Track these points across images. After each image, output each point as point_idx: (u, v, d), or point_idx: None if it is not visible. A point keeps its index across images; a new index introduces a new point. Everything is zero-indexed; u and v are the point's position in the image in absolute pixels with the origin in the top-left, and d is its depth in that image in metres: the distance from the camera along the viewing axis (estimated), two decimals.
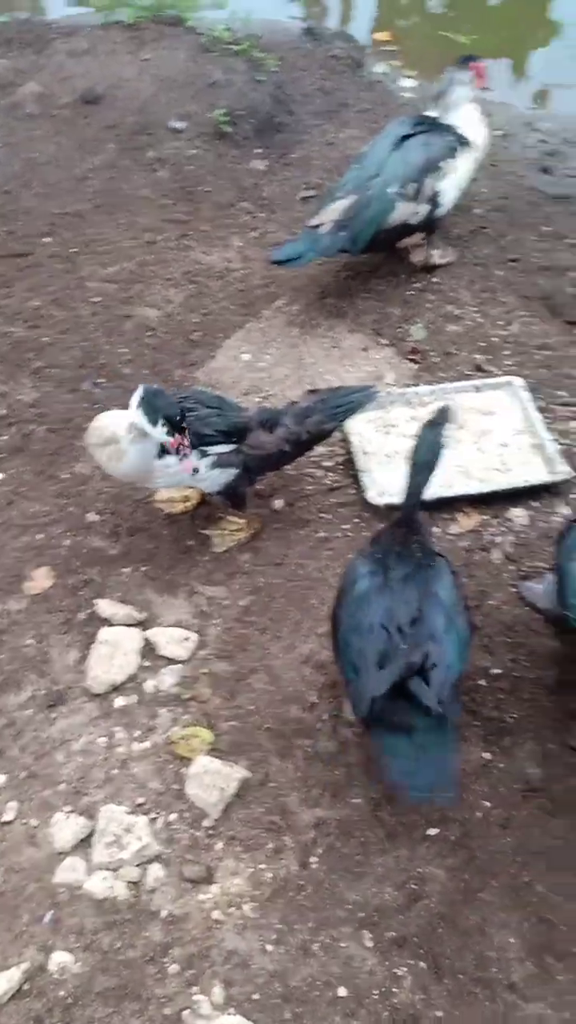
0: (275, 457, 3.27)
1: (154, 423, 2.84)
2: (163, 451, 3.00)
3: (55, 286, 4.25)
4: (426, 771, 2.39)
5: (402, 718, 2.41)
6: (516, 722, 2.83)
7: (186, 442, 2.90)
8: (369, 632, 2.57)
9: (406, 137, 3.87)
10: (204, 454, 3.11)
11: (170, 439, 2.87)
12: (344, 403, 3.30)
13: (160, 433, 2.86)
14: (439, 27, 5.98)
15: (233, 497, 3.29)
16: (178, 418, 2.84)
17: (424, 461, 2.76)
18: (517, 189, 4.65)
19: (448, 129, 3.92)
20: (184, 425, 2.87)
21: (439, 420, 2.79)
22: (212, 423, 3.12)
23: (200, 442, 3.07)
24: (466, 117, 3.95)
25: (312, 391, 3.38)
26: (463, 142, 3.91)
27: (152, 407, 2.85)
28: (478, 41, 5.81)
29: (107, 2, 5.71)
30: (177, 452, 2.91)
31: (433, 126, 3.92)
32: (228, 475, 3.19)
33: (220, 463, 3.15)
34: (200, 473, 3.12)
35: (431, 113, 4.02)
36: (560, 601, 2.70)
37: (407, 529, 2.80)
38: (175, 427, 2.85)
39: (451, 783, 2.45)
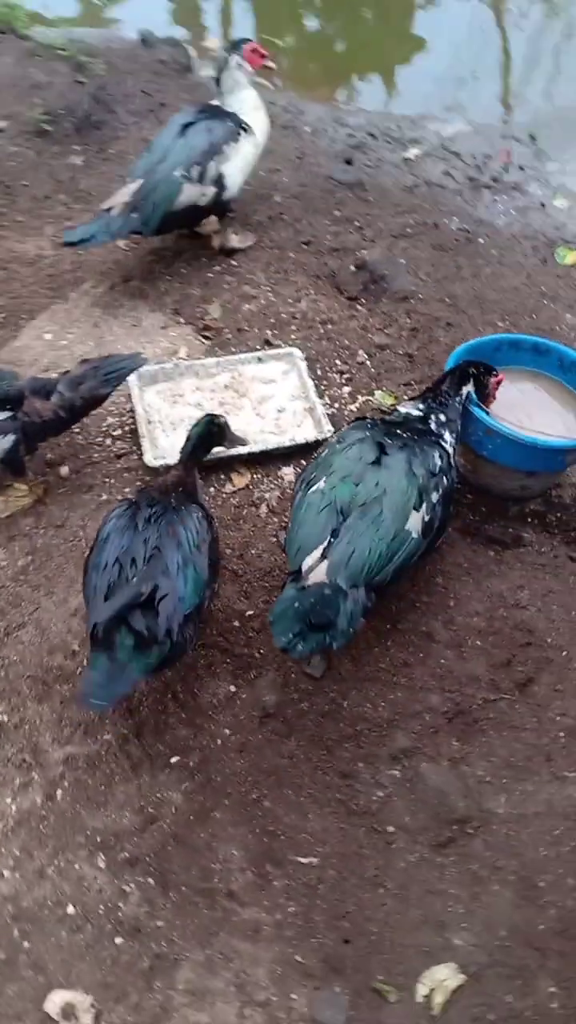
0: (52, 423, 3.40)
1: None
2: None
3: None
4: (103, 685, 2.54)
5: (113, 639, 2.55)
6: (262, 656, 3.00)
7: None
8: (104, 569, 2.72)
9: (189, 124, 4.07)
10: None
11: None
12: (115, 369, 3.46)
13: None
14: (262, 33, 6.26)
15: (12, 464, 3.41)
16: None
17: (195, 446, 2.97)
18: (316, 178, 4.89)
19: (230, 116, 4.12)
20: None
21: (216, 415, 3.01)
22: None
23: None
24: (246, 103, 4.17)
25: (84, 360, 3.53)
26: (244, 128, 4.12)
27: None
28: (295, 45, 6.08)
29: None
30: None
31: (215, 114, 4.13)
32: (6, 443, 3.31)
33: None
34: None
35: (214, 102, 4.23)
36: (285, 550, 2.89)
37: (175, 481, 2.98)
38: None
39: (112, 696, 2.57)
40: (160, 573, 2.67)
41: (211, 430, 3.01)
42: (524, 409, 3.30)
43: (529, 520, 3.36)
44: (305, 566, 2.70)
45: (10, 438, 3.29)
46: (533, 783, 2.71)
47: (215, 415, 3.02)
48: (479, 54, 6.49)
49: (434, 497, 2.82)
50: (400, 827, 2.63)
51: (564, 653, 2.98)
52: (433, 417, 3.07)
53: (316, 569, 2.68)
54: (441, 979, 2.36)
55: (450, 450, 3.02)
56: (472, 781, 2.71)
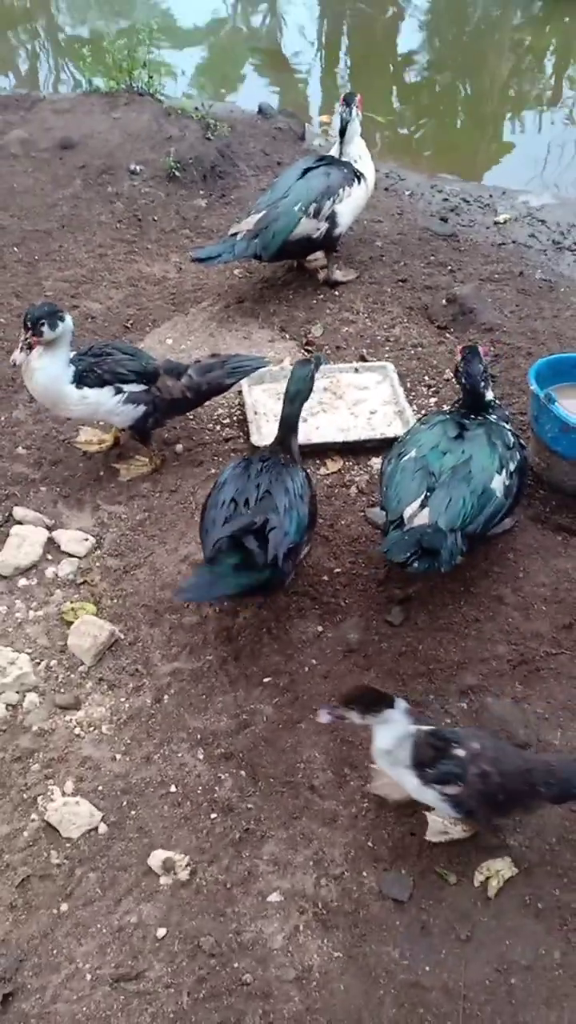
0: (179, 402, 3.91)
1: (25, 327, 3.47)
2: (76, 379, 3.64)
3: (17, 283, 4.98)
4: (198, 586, 2.99)
5: (219, 557, 2.99)
6: (347, 605, 3.39)
7: (31, 338, 3.46)
8: (222, 505, 3.19)
9: (310, 168, 4.68)
10: (119, 391, 3.74)
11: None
12: (240, 365, 3.97)
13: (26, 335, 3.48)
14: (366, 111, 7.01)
15: (141, 432, 3.91)
16: (38, 320, 3.43)
17: (295, 391, 3.43)
18: (413, 229, 5.46)
19: (346, 165, 4.73)
20: (39, 325, 3.44)
21: (309, 361, 3.47)
22: (127, 365, 3.76)
23: (116, 380, 3.71)
24: (362, 155, 4.77)
25: (214, 355, 4.04)
26: (358, 176, 4.72)
27: (28, 314, 3.47)
28: (399, 120, 6.79)
29: (89, 73, 6.69)
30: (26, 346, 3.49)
31: (332, 162, 4.74)
32: (138, 411, 3.81)
33: (131, 399, 3.77)
34: (116, 407, 3.73)
35: (330, 153, 4.85)
36: (384, 507, 3.32)
37: (279, 447, 3.44)
38: (28, 322, 3.45)
39: (202, 596, 3.09)
40: (271, 510, 3.11)
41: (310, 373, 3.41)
42: None
43: None
44: (407, 514, 3.13)
45: (141, 408, 3.79)
46: None
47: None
48: (565, 137, 7.13)
49: (511, 466, 3.25)
50: None
51: None
52: (492, 409, 3.51)
53: (418, 515, 3.11)
54: (497, 869, 2.65)
55: (512, 431, 3.44)
56: (532, 716, 3.03)
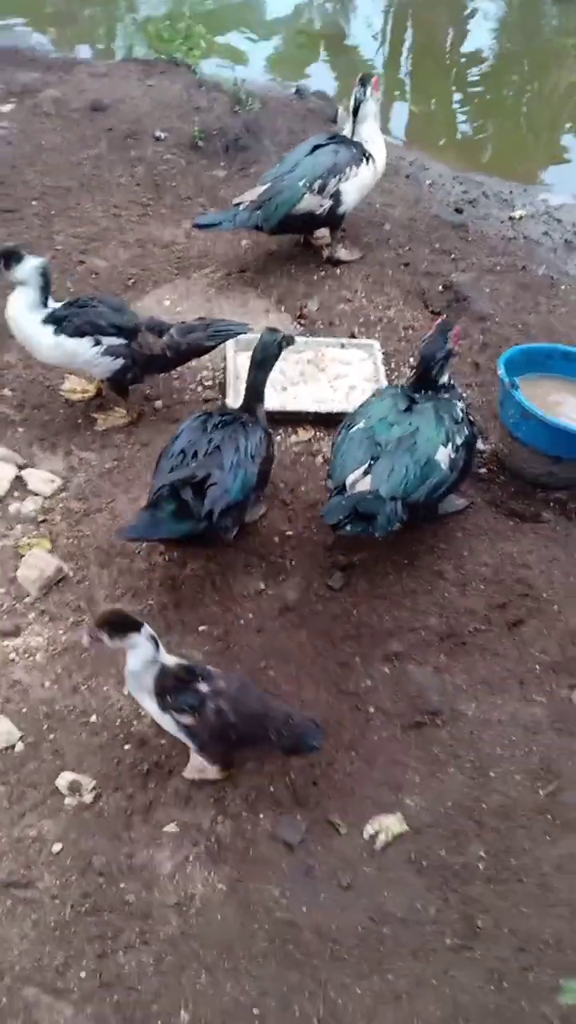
0: (158, 359, 4.00)
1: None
2: (53, 325, 3.76)
3: (30, 235, 5.11)
4: (139, 527, 3.12)
5: (160, 504, 3.10)
6: (293, 567, 3.48)
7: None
8: (171, 456, 3.29)
9: (320, 146, 4.74)
10: (98, 342, 3.85)
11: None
12: (222, 329, 4.05)
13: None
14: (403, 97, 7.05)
15: (119, 385, 4.01)
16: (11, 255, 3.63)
17: (261, 358, 3.51)
18: (425, 216, 5.50)
19: (356, 144, 4.78)
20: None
21: (278, 330, 3.55)
22: (108, 318, 3.87)
23: (95, 331, 3.82)
24: (373, 136, 4.82)
25: (200, 318, 4.13)
26: (367, 156, 4.76)
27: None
28: (431, 110, 6.81)
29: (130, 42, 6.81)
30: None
31: (343, 140, 4.79)
32: (116, 364, 3.91)
33: (110, 351, 3.87)
34: (95, 358, 3.84)
35: (344, 132, 4.90)
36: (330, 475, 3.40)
37: (245, 410, 3.53)
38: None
39: (141, 535, 3.20)
40: (215, 466, 3.21)
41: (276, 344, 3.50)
42: (567, 414, 3.75)
43: (551, 505, 3.76)
44: (349, 481, 3.20)
45: (120, 361, 3.89)
46: (503, 699, 3.07)
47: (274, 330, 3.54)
48: None
49: (458, 440, 3.31)
50: (380, 709, 3.03)
51: (556, 608, 3.35)
52: (446, 389, 3.56)
53: (360, 482, 3.18)
54: (387, 824, 2.73)
55: (463, 407, 3.49)
56: (450, 687, 3.09)
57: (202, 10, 8.51)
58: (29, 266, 3.65)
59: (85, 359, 3.83)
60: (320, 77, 7.65)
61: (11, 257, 3.62)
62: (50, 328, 3.75)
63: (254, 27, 8.50)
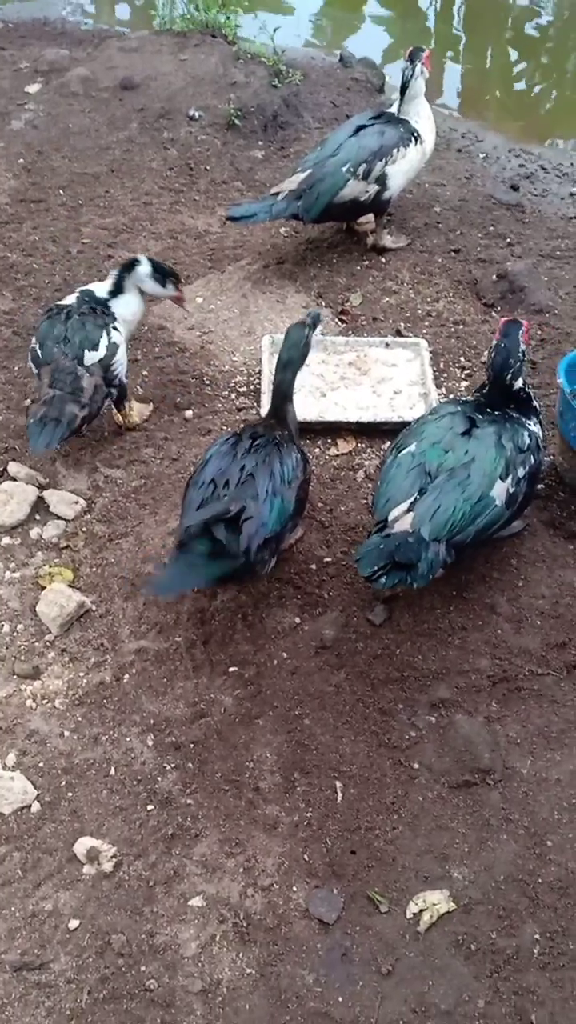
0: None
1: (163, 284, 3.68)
2: None
3: (56, 227, 4.86)
4: (171, 579, 2.85)
5: (193, 545, 2.83)
6: (330, 598, 3.21)
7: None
8: (201, 486, 3.02)
9: (364, 126, 4.38)
10: None
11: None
12: None
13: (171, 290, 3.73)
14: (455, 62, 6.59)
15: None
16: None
17: (287, 359, 3.22)
18: (478, 196, 5.10)
19: (403, 123, 4.41)
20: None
21: (304, 323, 3.25)
22: None
23: None
24: (421, 114, 4.44)
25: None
26: (415, 136, 4.40)
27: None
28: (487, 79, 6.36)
29: (166, 13, 6.45)
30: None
31: (389, 119, 4.42)
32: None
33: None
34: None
35: (390, 109, 4.53)
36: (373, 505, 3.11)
37: (274, 420, 3.25)
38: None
39: (172, 590, 2.99)
40: (250, 497, 2.93)
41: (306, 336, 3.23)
42: None
43: None
44: (391, 516, 2.90)
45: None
46: (561, 754, 2.79)
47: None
48: None
49: (520, 472, 2.97)
50: (424, 765, 2.77)
51: None
52: (521, 401, 3.22)
53: (402, 520, 2.88)
54: (433, 902, 2.48)
55: (538, 432, 3.15)
56: (502, 740, 2.82)
57: None
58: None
59: None
60: (366, 41, 7.19)
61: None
62: None
63: None
